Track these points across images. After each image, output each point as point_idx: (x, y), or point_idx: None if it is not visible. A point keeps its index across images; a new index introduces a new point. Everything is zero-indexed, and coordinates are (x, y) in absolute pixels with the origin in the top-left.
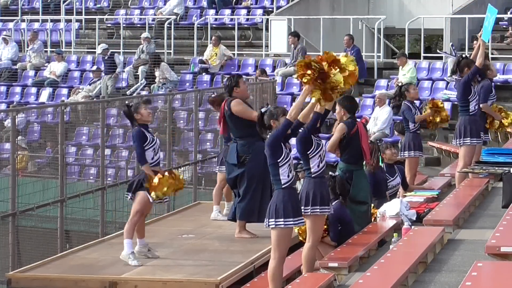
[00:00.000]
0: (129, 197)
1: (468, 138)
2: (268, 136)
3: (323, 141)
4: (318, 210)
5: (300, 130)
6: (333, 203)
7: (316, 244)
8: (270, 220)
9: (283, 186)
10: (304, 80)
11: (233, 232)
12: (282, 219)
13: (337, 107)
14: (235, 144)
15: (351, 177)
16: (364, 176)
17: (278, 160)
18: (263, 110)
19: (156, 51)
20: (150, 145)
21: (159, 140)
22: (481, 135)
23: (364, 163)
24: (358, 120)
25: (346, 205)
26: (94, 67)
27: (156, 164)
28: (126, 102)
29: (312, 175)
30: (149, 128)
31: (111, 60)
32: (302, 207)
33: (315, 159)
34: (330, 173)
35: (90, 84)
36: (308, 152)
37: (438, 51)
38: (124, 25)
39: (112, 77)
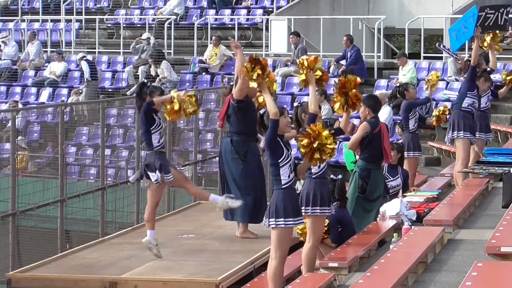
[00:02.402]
0: (147, 184)
1: (462, 132)
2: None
3: None
4: (318, 210)
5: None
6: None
7: (316, 244)
8: (270, 220)
9: (283, 186)
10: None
11: (233, 232)
12: (282, 219)
13: (362, 106)
14: (229, 139)
15: (368, 175)
16: (381, 176)
17: (279, 161)
18: (262, 111)
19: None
20: (157, 129)
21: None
22: (480, 134)
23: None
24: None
25: (345, 207)
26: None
27: (163, 147)
28: (144, 80)
29: (313, 176)
30: (158, 113)
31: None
32: (303, 207)
33: None
34: (331, 176)
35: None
36: None
37: (437, 45)
38: (124, 25)
39: (83, 86)
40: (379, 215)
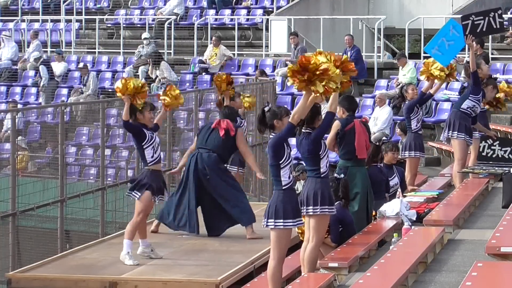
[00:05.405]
0: (138, 197)
1: (456, 132)
2: (271, 137)
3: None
4: (327, 209)
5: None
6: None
7: (319, 244)
8: (269, 220)
9: (283, 187)
10: (296, 85)
11: (233, 232)
12: (281, 220)
13: (338, 107)
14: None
15: (345, 173)
16: (361, 174)
17: (280, 162)
18: (266, 109)
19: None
20: (149, 143)
21: (159, 139)
22: (481, 133)
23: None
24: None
25: (348, 207)
26: (81, 64)
27: (157, 162)
28: None
29: (321, 175)
30: (148, 127)
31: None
32: (311, 207)
33: (324, 160)
34: (335, 175)
35: (84, 85)
36: (319, 153)
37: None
38: (124, 25)
39: (42, 90)
40: (378, 215)
